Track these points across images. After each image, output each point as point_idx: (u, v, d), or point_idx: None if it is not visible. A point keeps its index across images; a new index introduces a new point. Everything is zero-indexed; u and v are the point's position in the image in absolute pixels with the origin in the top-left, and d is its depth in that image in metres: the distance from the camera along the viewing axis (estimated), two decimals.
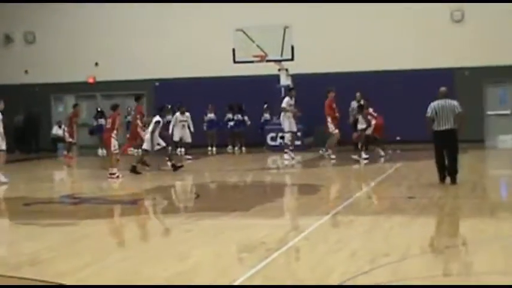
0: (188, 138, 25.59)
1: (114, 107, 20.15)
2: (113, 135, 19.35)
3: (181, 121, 25.43)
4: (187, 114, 25.68)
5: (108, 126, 19.65)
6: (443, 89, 15.89)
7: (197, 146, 27.20)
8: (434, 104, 15.58)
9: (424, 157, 21.55)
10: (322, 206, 13.69)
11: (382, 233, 10.27)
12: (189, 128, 25.81)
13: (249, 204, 14.12)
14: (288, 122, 23.40)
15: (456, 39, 28.85)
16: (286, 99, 23.54)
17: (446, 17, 29.41)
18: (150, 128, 20.38)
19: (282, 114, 23.57)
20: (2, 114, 18.65)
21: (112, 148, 19.31)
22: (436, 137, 15.57)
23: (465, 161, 19.25)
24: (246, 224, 11.78)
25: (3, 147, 18.78)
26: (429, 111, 15.53)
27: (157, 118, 20.63)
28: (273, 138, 27.92)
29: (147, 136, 20.38)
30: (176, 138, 25.43)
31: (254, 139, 28.42)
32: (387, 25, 29.46)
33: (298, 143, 26.75)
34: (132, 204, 14.80)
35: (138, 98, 22.25)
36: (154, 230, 11.50)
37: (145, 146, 20.42)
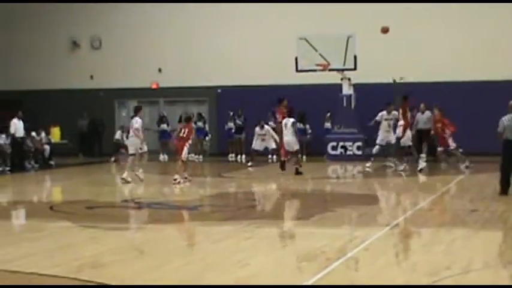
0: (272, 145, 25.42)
1: (189, 119, 21.36)
2: (187, 144, 19.99)
3: (260, 135, 25.46)
4: (266, 127, 25.47)
5: (184, 135, 20.10)
6: None
7: (258, 153, 27.25)
8: (504, 119, 15.40)
9: (487, 170, 21.27)
10: (383, 216, 13.60)
11: (443, 246, 10.15)
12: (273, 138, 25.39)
13: (309, 213, 14.10)
14: (380, 134, 23.57)
15: None
16: (381, 113, 23.51)
17: None
18: (291, 130, 21.73)
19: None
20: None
21: (183, 155, 19.83)
22: (507, 146, 15.37)
23: None
24: (306, 232, 11.76)
25: (145, 148, 21.13)
26: (500, 126, 15.39)
27: (293, 119, 21.98)
28: (334, 148, 27.81)
29: (292, 138, 21.70)
30: (258, 147, 25.58)
31: (315, 148, 28.32)
32: (451, 35, 29.11)
33: (359, 153, 26.66)
34: (193, 210, 14.89)
35: (281, 100, 23.05)
36: (214, 236, 11.56)
37: (296, 147, 21.89)
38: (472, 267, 8.72)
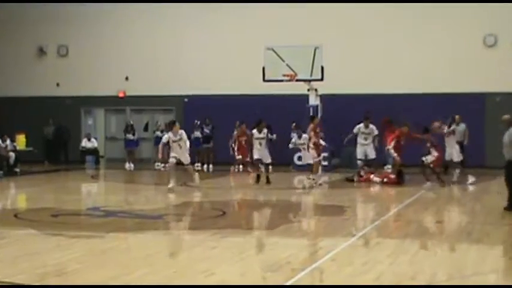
0: (268, 159, 23.10)
1: (313, 118, 22.74)
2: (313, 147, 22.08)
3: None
4: (264, 130, 23.18)
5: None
6: (506, 116, 15.33)
7: (224, 163, 27.25)
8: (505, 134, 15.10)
9: (451, 182, 21.43)
10: (349, 227, 13.64)
11: (408, 257, 10.20)
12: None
13: (274, 223, 14.11)
14: (358, 148, 23.38)
15: (488, 64, 28.71)
16: (359, 125, 23.30)
17: (479, 42, 29.26)
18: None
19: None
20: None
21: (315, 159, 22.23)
22: (508, 167, 15.15)
23: (495, 186, 19.13)
24: (271, 242, 11.76)
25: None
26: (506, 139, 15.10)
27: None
28: (300, 158, 27.78)
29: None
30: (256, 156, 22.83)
31: (281, 158, 28.29)
32: (418, 48, 29.38)
33: (325, 163, 26.66)
34: (158, 219, 14.81)
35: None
36: (179, 246, 11.52)
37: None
38: (436, 279, 8.77)
